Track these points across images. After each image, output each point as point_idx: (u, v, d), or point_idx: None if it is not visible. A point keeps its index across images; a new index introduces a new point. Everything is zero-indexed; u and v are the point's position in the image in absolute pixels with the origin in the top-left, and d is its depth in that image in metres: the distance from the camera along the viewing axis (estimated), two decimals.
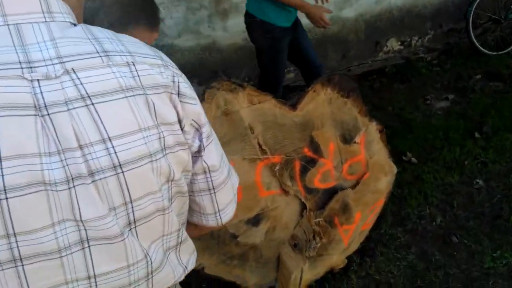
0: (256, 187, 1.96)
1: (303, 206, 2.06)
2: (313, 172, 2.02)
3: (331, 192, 2.07)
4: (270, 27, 2.66)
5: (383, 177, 2.14)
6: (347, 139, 2.05)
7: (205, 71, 3.81)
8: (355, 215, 2.09)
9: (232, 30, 3.77)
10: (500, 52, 4.14)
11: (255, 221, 2.01)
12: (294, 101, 1.96)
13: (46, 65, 0.63)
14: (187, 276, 0.85)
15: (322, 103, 1.98)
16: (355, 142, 2.05)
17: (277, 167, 1.96)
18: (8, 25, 0.64)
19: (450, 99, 3.51)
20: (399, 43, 4.49)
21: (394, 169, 2.16)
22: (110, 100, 0.65)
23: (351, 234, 2.11)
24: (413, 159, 2.81)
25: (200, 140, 0.77)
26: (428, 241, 2.26)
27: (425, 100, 3.54)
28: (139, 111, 0.67)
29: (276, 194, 2.00)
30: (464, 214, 2.38)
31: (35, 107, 0.61)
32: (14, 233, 0.61)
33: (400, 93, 3.70)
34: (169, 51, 3.61)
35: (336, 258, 2.10)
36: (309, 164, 2.01)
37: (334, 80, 2.00)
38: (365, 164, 2.09)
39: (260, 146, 1.92)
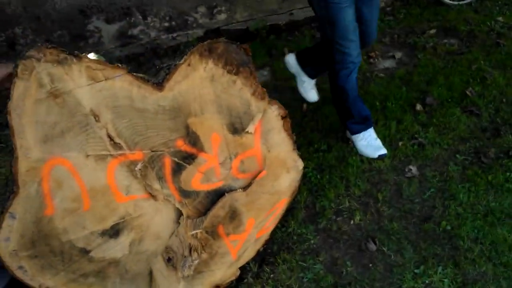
0: (110, 192, 1.47)
1: (180, 212, 1.60)
2: (191, 171, 1.54)
3: (217, 195, 1.61)
4: None
5: (285, 175, 1.68)
6: (237, 128, 1.55)
7: (113, 7, 3.16)
8: (246, 223, 1.65)
9: None
10: (461, 2, 3.62)
11: (113, 232, 1.54)
12: (161, 78, 1.43)
13: None
14: None
15: (200, 82, 1.45)
16: (247, 132, 1.56)
17: (138, 166, 1.47)
18: None
19: (397, 58, 3.03)
20: None
21: (300, 164, 1.70)
22: None
23: (241, 245, 1.69)
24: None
25: None
26: (341, 246, 1.87)
27: (369, 58, 3.04)
28: None
29: (140, 198, 1.53)
30: (388, 211, 1.99)
31: None
32: None
33: None
34: None
35: (221, 274, 1.69)
36: (185, 161, 1.52)
37: (218, 49, 1.46)
38: (261, 160, 1.62)
39: (111, 138, 1.41)
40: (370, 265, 1.79)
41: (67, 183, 1.41)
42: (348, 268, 1.79)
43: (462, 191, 2.04)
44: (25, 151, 1.32)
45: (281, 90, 2.76)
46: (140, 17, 3.28)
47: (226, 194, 1.60)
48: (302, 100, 2.55)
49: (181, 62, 1.42)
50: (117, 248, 1.57)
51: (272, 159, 1.64)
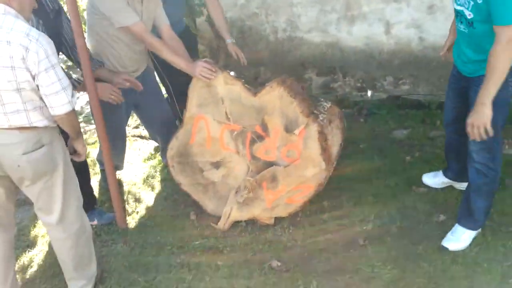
0: (219, 142, 2.84)
1: (249, 167, 2.81)
2: (259, 145, 2.74)
3: (269, 164, 2.74)
4: None
5: (311, 168, 2.64)
6: (289, 129, 2.65)
7: (324, 65, 4.52)
8: (279, 187, 2.71)
9: (356, 34, 4.31)
10: None
11: (216, 165, 2.90)
12: (257, 90, 2.71)
13: None
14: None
15: (275, 97, 2.65)
16: (294, 134, 2.64)
17: (235, 133, 2.78)
18: None
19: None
20: None
21: (323, 165, 2.62)
22: None
23: (274, 200, 2.74)
24: None
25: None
26: None
27: None
28: None
29: (232, 152, 2.83)
30: None
31: None
32: None
33: None
34: (298, 43, 4.48)
35: (258, 212, 2.77)
36: (258, 138, 2.74)
37: (288, 82, 2.63)
38: (299, 153, 2.66)
39: (226, 114, 2.77)
40: None
41: (203, 130, 2.84)
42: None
43: None
44: (189, 108, 2.83)
45: None
46: (341, 75, 4.54)
47: (274, 166, 2.71)
48: None
49: (268, 84, 2.66)
50: (215, 175, 2.90)
51: (306, 155, 2.64)
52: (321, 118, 2.75)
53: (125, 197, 3.14)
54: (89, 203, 2.77)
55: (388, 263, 2.45)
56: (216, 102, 2.78)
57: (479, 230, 2.58)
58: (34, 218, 2.96)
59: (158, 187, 3.31)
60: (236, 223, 2.83)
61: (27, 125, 1.91)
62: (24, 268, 2.62)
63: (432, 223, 2.73)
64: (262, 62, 4.57)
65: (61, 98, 1.91)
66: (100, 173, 3.31)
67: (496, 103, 2.14)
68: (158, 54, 2.73)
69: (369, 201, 2.96)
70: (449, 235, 2.57)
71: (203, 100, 2.80)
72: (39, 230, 2.91)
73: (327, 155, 2.67)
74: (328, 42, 4.43)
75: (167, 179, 3.32)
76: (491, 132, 2.16)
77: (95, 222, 2.84)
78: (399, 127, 3.92)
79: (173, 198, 3.14)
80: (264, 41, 4.50)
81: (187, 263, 2.56)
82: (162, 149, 3.40)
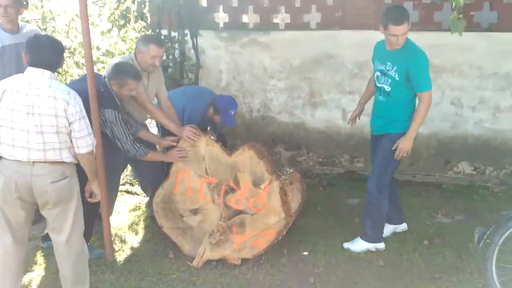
0: (199, 192, 3.44)
1: (221, 215, 3.39)
2: (231, 196, 3.35)
3: (238, 212, 3.33)
4: None
5: (273, 217, 3.24)
6: (256, 184, 3.29)
7: (292, 141, 5.27)
8: (247, 231, 3.28)
9: (318, 118, 5.14)
10: None
11: (194, 212, 3.48)
12: (231, 152, 3.38)
13: None
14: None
15: (246, 158, 3.33)
16: (260, 188, 3.27)
17: (212, 185, 3.40)
18: None
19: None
20: (472, 167, 4.86)
21: (282, 215, 3.23)
22: None
23: (241, 242, 3.28)
24: None
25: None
26: None
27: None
28: None
29: (208, 201, 3.42)
30: None
31: None
32: None
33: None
34: (270, 122, 5.26)
35: (227, 253, 3.29)
36: (230, 190, 3.35)
37: (257, 147, 3.34)
38: (264, 204, 3.27)
39: (206, 169, 3.41)
40: None
41: (185, 182, 3.45)
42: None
43: None
44: (175, 163, 3.47)
45: None
46: (305, 151, 5.28)
47: (242, 214, 3.30)
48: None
49: (241, 147, 3.34)
50: (193, 221, 3.46)
51: (269, 206, 3.25)
52: (283, 178, 3.41)
53: (112, 239, 3.62)
54: (86, 235, 3.26)
55: None
56: (198, 159, 3.44)
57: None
58: (35, 249, 3.41)
59: (141, 232, 3.81)
60: (208, 262, 3.33)
61: (58, 160, 2.51)
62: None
63: (373, 267, 3.31)
64: (239, 136, 5.30)
65: (87, 141, 2.54)
66: None
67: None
68: (154, 118, 3.43)
69: (321, 250, 3.52)
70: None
71: (189, 157, 3.45)
72: (38, 258, 3.36)
73: (287, 208, 3.29)
74: (295, 123, 5.25)
75: (149, 226, 3.84)
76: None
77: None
78: (352, 196, 4.58)
79: (155, 241, 3.65)
80: (241, 119, 5.27)
81: None
82: (149, 199, 3.95)
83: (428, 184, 4.78)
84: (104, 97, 3.11)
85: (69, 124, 2.47)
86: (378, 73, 3.32)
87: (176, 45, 4.99)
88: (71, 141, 2.52)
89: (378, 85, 3.34)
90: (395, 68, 3.18)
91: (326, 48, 4.96)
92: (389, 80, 3.23)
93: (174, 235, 3.50)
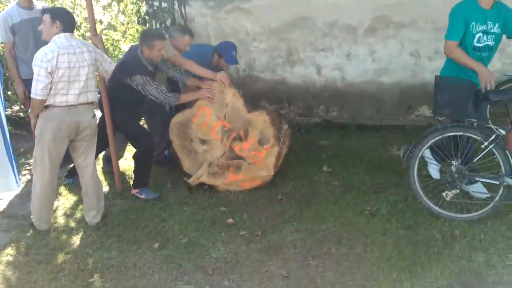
0: (212, 129, 4.17)
1: (224, 153, 4.16)
2: (238, 143, 4.13)
3: (239, 158, 4.14)
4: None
5: (264, 172, 4.11)
6: (261, 142, 4.09)
7: (274, 96, 6.01)
8: (240, 174, 4.11)
9: (296, 74, 5.89)
10: None
11: (203, 142, 4.22)
12: (251, 109, 4.13)
13: None
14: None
15: (261, 120, 4.10)
16: (263, 147, 4.08)
17: (225, 129, 4.14)
18: None
19: None
20: (431, 111, 5.68)
21: (271, 173, 4.09)
22: None
23: (232, 180, 4.12)
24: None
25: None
26: None
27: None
28: None
29: (218, 139, 4.18)
30: None
31: None
32: None
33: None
34: (255, 80, 5.95)
35: (219, 183, 4.11)
36: (239, 138, 4.12)
37: (272, 114, 4.16)
38: (261, 159, 4.10)
39: (225, 115, 4.14)
40: None
41: (204, 116, 4.12)
42: None
43: None
44: (202, 100, 4.11)
45: None
46: (287, 104, 6.02)
47: (242, 160, 4.11)
48: None
49: (260, 110, 4.15)
50: (200, 148, 4.18)
51: (264, 162, 4.08)
52: (281, 141, 4.20)
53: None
54: (146, 180, 4.12)
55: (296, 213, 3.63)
56: (222, 104, 4.14)
57: None
58: (58, 185, 3.66)
59: None
60: (201, 185, 4.15)
61: (92, 100, 3.38)
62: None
63: (329, 186, 3.92)
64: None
65: (111, 63, 3.56)
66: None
67: None
68: (190, 69, 4.16)
69: (290, 177, 4.37)
70: None
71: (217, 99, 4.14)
72: (62, 191, 3.65)
73: (276, 166, 4.15)
74: (276, 79, 5.98)
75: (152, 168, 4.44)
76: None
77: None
78: (324, 139, 5.42)
79: (155, 178, 4.37)
80: (230, 79, 5.92)
81: (164, 208, 3.89)
82: (157, 145, 4.47)
83: (393, 127, 5.63)
84: (131, 66, 3.79)
85: (97, 67, 3.43)
86: (480, 34, 3.54)
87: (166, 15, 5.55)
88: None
89: (480, 45, 3.57)
90: (497, 24, 3.52)
91: (301, 11, 5.64)
92: (493, 36, 3.55)
93: (180, 151, 4.23)
